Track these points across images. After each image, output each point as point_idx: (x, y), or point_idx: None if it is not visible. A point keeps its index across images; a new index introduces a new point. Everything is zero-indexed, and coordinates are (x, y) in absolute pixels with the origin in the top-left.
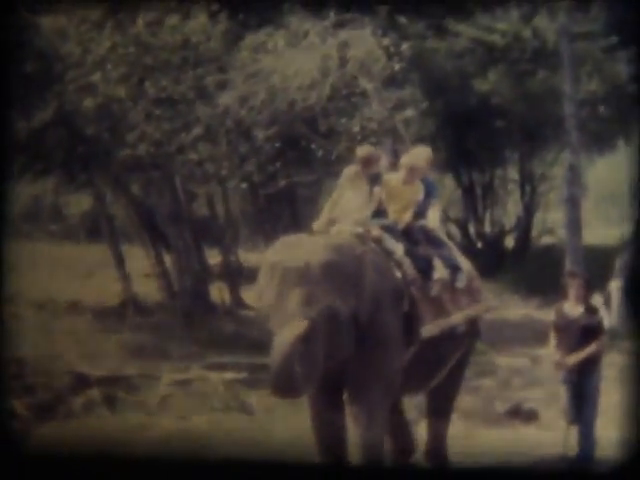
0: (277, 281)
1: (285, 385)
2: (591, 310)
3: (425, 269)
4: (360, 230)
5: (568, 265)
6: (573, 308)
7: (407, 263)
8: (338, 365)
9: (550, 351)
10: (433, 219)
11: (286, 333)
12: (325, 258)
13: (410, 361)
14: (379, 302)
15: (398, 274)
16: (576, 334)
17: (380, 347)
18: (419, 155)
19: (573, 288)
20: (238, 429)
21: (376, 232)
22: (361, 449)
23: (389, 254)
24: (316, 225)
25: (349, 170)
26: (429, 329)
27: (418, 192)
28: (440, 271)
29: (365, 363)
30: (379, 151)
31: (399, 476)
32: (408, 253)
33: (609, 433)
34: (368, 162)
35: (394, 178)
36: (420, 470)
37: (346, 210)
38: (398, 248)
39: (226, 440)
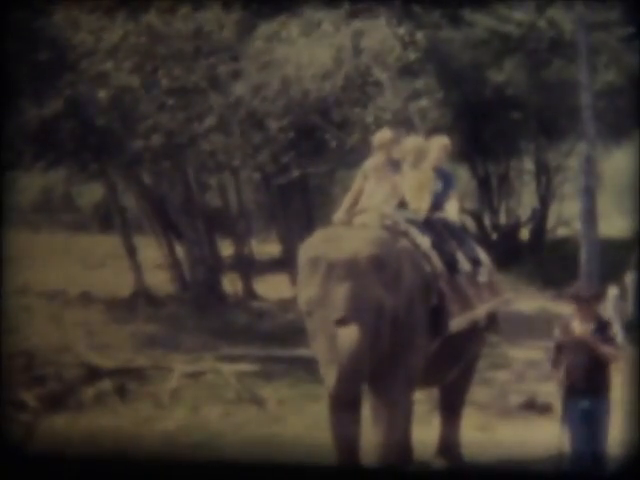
0: (320, 275)
1: (351, 383)
2: (603, 325)
3: (450, 262)
4: (388, 223)
5: (583, 258)
6: (581, 326)
7: (435, 256)
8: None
9: (553, 373)
10: (452, 211)
11: (352, 333)
12: (371, 252)
13: (432, 355)
14: (412, 296)
15: (427, 268)
16: (586, 353)
17: (407, 341)
18: (419, 140)
19: (579, 310)
20: (250, 421)
21: (403, 225)
22: (382, 446)
23: (417, 247)
24: (337, 216)
25: (372, 161)
26: (457, 323)
27: (429, 177)
28: (464, 264)
29: (391, 356)
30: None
31: (412, 476)
32: (434, 246)
33: (613, 431)
34: (390, 144)
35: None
36: (433, 471)
37: (371, 202)
38: (425, 241)
39: (238, 432)
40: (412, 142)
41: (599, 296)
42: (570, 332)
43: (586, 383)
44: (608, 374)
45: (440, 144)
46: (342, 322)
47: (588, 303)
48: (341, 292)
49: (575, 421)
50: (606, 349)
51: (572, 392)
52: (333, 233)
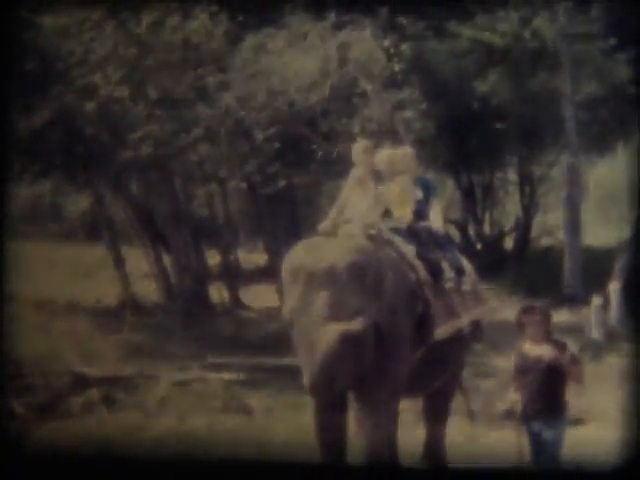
0: (301, 285)
1: (323, 384)
2: (558, 346)
3: (435, 271)
4: (372, 232)
5: (567, 268)
6: (534, 348)
7: (419, 265)
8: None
9: (511, 397)
10: (436, 219)
11: (330, 333)
12: (350, 260)
13: (417, 363)
14: (396, 306)
15: (412, 276)
16: (541, 374)
17: (391, 349)
18: (390, 151)
19: (531, 326)
20: (237, 429)
21: (387, 234)
22: (366, 451)
23: (402, 256)
24: (322, 227)
25: (356, 172)
26: (442, 331)
27: (407, 185)
28: (448, 273)
29: (375, 364)
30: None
31: (398, 476)
32: (418, 255)
33: (609, 433)
34: (365, 155)
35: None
36: (420, 471)
37: (355, 212)
38: (409, 250)
39: (225, 440)
40: (384, 153)
41: (550, 314)
42: (524, 355)
43: (542, 405)
44: (564, 395)
45: (403, 154)
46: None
47: (541, 317)
48: (320, 300)
49: (532, 441)
50: (574, 372)
51: (528, 414)
52: (313, 243)
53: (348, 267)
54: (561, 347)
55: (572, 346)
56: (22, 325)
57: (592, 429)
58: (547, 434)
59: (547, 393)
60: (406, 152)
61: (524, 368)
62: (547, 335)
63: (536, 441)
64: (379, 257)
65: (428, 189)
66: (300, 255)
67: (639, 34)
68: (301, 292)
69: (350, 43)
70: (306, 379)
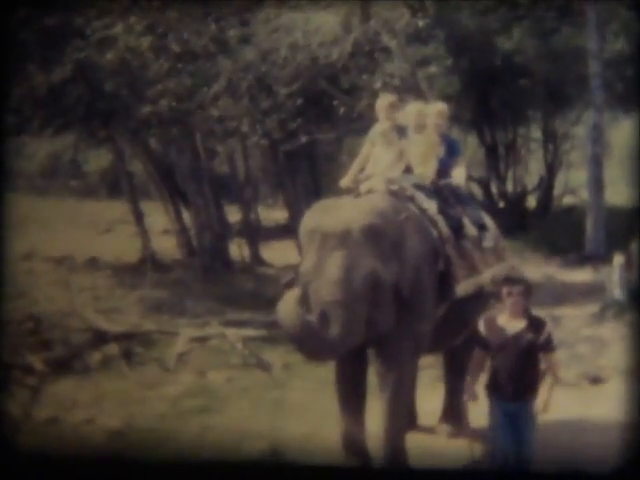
0: (316, 246)
1: (311, 350)
2: (536, 324)
3: (456, 227)
4: (394, 188)
5: (590, 226)
6: (511, 322)
7: (441, 221)
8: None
9: (474, 372)
10: (459, 177)
11: (285, 303)
12: (367, 222)
13: (438, 320)
14: (419, 264)
15: (434, 232)
16: (515, 354)
17: (414, 307)
18: (420, 105)
19: (510, 297)
20: (255, 386)
21: (410, 190)
22: (388, 411)
23: (423, 212)
24: (344, 182)
25: (379, 127)
26: (463, 288)
27: (434, 142)
28: (470, 229)
29: (397, 322)
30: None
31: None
32: (440, 211)
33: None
34: (391, 110)
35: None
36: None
37: (377, 167)
38: (431, 206)
39: (243, 396)
40: (413, 107)
41: (530, 285)
42: (497, 329)
43: (513, 386)
44: (537, 377)
45: (437, 110)
46: (288, 285)
47: (522, 290)
48: (334, 262)
49: (499, 423)
50: (548, 358)
51: (497, 393)
52: (330, 204)
53: (364, 229)
54: (540, 325)
55: (550, 325)
56: (42, 280)
57: (611, 387)
58: (523, 415)
59: (523, 373)
60: (438, 108)
61: (498, 343)
62: (525, 311)
63: (511, 421)
64: (399, 217)
65: (452, 148)
66: (316, 216)
67: None
68: (316, 254)
69: None
70: None
